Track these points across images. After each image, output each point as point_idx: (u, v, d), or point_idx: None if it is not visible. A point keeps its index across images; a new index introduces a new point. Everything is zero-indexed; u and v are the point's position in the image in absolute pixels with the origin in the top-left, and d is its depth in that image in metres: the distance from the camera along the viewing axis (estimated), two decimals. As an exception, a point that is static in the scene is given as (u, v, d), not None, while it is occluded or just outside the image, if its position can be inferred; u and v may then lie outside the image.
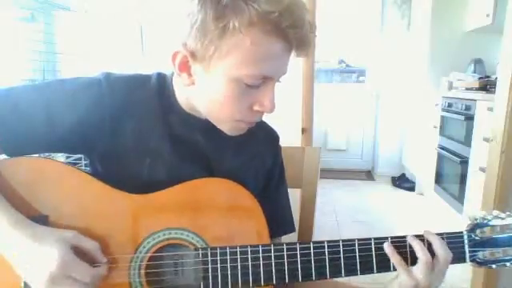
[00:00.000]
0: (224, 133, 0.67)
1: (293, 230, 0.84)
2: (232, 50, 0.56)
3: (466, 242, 0.67)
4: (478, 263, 0.67)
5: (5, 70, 1.42)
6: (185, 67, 0.61)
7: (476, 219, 0.68)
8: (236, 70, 0.57)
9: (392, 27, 3.87)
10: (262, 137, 0.79)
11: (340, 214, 2.87)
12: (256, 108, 0.62)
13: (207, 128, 0.68)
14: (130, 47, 1.93)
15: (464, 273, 1.73)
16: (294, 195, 0.94)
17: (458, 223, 2.43)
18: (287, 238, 0.82)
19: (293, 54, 0.60)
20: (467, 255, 0.67)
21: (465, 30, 3.13)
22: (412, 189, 3.45)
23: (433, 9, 3.18)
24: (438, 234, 0.67)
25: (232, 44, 0.55)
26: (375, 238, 0.66)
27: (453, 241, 0.67)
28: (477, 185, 2.13)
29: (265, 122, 0.80)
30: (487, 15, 2.71)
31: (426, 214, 2.90)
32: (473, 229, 0.67)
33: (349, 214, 2.89)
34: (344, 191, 3.46)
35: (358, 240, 0.66)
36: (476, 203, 1.97)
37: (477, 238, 0.67)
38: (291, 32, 0.55)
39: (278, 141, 0.82)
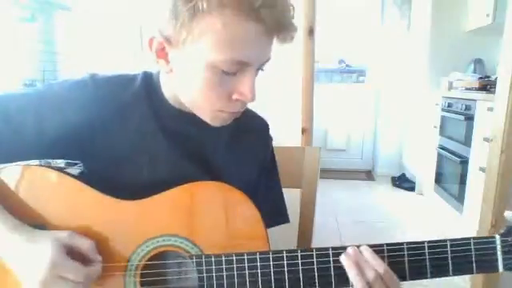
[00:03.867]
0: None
1: (287, 221, 0.82)
2: (204, 33, 0.54)
3: (498, 247, 0.58)
4: None
5: (5, 70, 1.42)
6: (162, 53, 0.60)
7: None
8: (209, 55, 0.55)
9: (392, 27, 3.87)
10: (253, 126, 0.78)
11: (340, 214, 2.87)
12: (235, 97, 0.60)
13: (199, 121, 0.66)
14: (130, 47, 1.94)
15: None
16: (294, 195, 0.94)
17: (458, 223, 2.43)
18: (286, 237, 0.82)
19: (275, 39, 0.58)
20: (500, 263, 0.58)
21: (465, 30, 3.13)
22: (412, 189, 3.44)
23: (433, 9, 3.18)
24: (465, 239, 0.59)
25: (203, 27, 0.53)
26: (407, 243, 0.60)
27: (482, 247, 0.58)
28: (477, 185, 2.13)
29: (253, 111, 0.79)
30: (487, 15, 2.71)
31: (426, 214, 2.90)
32: (509, 232, 0.57)
33: (349, 214, 2.89)
34: (344, 191, 3.46)
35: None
36: (476, 203, 1.97)
37: None
38: (264, 12, 0.52)
39: (268, 129, 0.81)
